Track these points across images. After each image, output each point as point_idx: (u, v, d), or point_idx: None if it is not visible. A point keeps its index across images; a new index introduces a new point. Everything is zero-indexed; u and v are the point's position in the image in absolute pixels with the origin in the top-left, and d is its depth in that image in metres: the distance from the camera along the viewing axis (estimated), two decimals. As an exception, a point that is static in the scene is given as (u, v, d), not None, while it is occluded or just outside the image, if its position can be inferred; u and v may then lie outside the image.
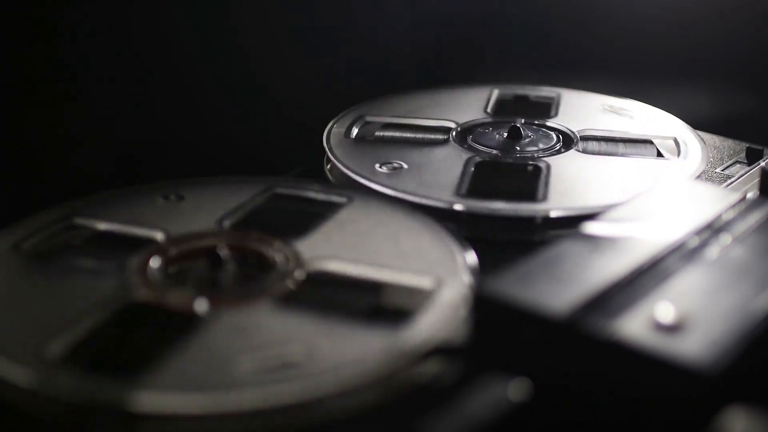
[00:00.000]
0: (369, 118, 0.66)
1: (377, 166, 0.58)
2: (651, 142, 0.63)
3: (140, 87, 0.64)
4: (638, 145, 0.63)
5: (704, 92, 0.78)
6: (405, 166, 0.59)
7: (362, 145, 0.63)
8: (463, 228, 0.52)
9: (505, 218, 0.53)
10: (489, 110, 0.69)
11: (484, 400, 0.38)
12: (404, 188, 0.55)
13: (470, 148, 0.62)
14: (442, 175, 0.57)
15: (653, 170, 0.58)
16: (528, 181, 0.57)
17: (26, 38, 0.58)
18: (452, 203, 0.54)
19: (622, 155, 0.61)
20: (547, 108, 0.69)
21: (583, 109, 0.69)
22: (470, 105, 0.69)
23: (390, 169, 0.58)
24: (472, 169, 0.58)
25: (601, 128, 0.65)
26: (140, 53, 0.64)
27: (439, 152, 0.61)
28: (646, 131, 0.65)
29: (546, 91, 0.73)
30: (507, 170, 0.60)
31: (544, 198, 0.54)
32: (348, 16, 0.75)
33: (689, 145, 0.62)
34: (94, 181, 0.61)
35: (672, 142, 0.63)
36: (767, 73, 0.76)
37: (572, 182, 0.57)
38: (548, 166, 0.59)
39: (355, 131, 0.64)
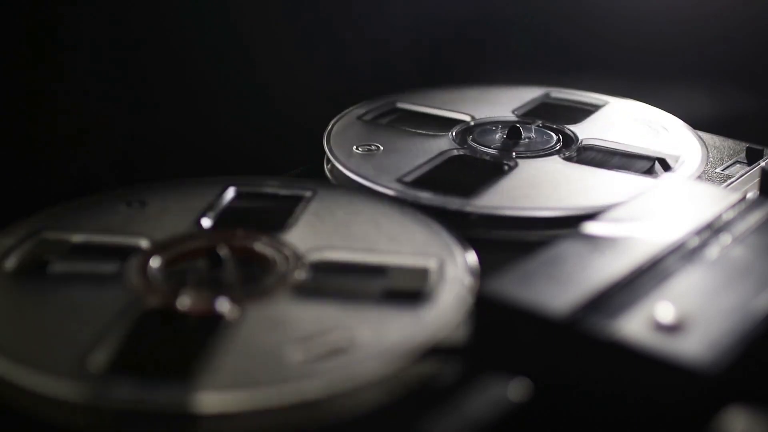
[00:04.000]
0: (400, 105, 0.69)
1: (354, 147, 0.60)
2: (650, 158, 0.62)
3: (140, 87, 0.64)
4: (637, 160, 0.62)
5: (704, 92, 0.78)
6: (381, 148, 0.60)
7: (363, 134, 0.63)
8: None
9: (431, 208, 0.53)
10: (516, 111, 0.69)
11: (484, 400, 0.38)
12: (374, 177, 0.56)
13: (461, 143, 0.62)
14: (406, 163, 0.59)
15: (627, 185, 0.57)
16: (483, 178, 0.57)
17: (26, 38, 0.58)
18: (389, 188, 0.55)
19: (606, 167, 0.60)
20: (580, 114, 0.69)
21: (616, 119, 0.68)
22: (502, 103, 0.70)
23: (365, 151, 0.60)
24: (443, 161, 0.60)
25: (612, 140, 0.64)
26: (140, 53, 0.64)
27: (428, 143, 0.62)
28: (655, 147, 0.63)
29: (591, 98, 0.72)
30: (474, 166, 0.60)
31: (476, 195, 0.54)
32: (348, 16, 0.75)
33: (686, 157, 0.61)
34: (94, 181, 0.61)
35: (673, 160, 0.61)
36: (767, 73, 0.76)
37: (524, 186, 0.56)
38: (515, 166, 0.59)
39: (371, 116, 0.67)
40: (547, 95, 0.73)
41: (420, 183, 0.57)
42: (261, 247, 0.48)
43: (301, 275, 0.46)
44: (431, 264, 0.47)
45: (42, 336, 0.42)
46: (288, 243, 0.49)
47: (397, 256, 0.48)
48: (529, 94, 0.72)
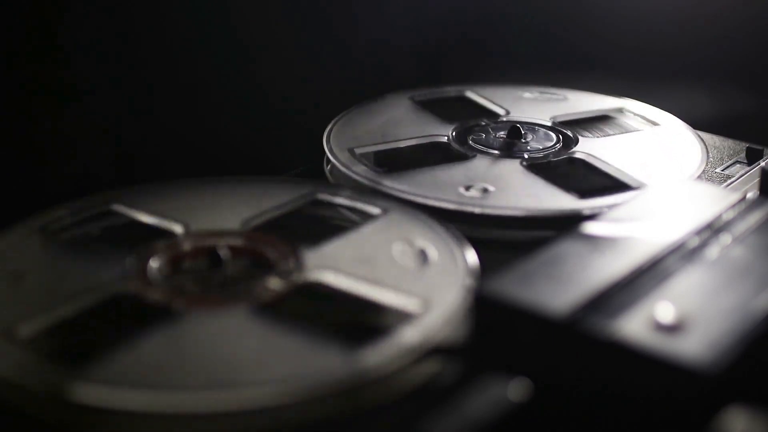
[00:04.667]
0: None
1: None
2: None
3: (140, 87, 0.64)
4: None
5: (704, 92, 0.78)
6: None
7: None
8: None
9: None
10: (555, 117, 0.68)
11: (484, 400, 0.38)
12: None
13: (459, 142, 0.63)
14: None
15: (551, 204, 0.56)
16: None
17: (26, 38, 0.58)
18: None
19: (554, 183, 0.58)
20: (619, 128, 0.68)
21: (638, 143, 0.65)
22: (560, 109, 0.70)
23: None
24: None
25: (605, 160, 0.61)
26: (140, 53, 0.64)
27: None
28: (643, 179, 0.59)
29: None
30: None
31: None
32: (348, 16, 0.75)
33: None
34: (94, 181, 0.61)
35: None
36: (767, 73, 0.76)
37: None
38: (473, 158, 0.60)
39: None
40: (620, 109, 0.70)
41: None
42: (272, 255, 0.48)
43: (270, 292, 0.45)
44: (413, 308, 0.44)
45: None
46: (302, 256, 0.48)
47: (385, 293, 0.46)
48: (602, 102, 0.70)
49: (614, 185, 0.57)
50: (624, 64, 0.79)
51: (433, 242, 0.49)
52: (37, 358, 0.40)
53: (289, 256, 0.48)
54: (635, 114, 0.69)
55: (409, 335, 0.41)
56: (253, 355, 0.40)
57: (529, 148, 0.62)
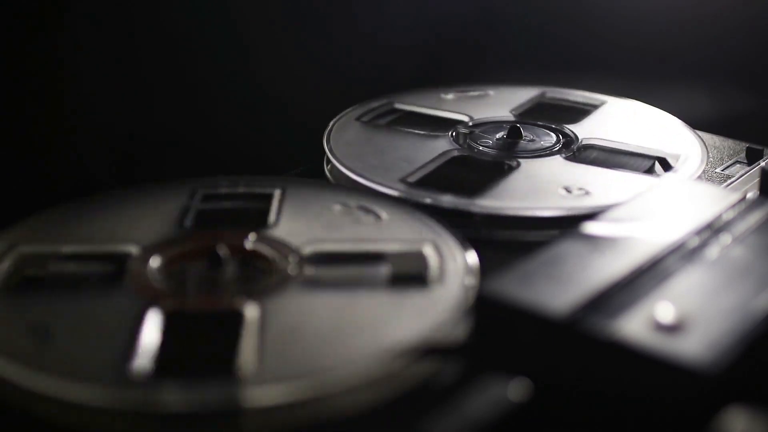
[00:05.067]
0: (398, 105, 0.69)
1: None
2: (650, 157, 0.62)
3: (140, 87, 0.64)
4: (637, 158, 0.62)
5: (704, 92, 0.78)
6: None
7: (362, 140, 0.63)
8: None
9: (433, 208, 0.54)
10: (513, 110, 0.69)
11: (484, 400, 0.38)
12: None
13: (462, 143, 0.63)
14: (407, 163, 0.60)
15: (629, 184, 0.57)
16: (485, 179, 0.58)
17: (26, 38, 0.58)
18: (393, 188, 0.55)
19: (607, 166, 0.60)
20: (578, 114, 0.69)
21: (615, 119, 0.68)
22: (499, 103, 0.70)
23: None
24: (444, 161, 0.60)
25: (612, 139, 0.63)
26: (140, 53, 0.64)
27: (428, 144, 0.63)
28: (655, 146, 0.62)
29: (588, 98, 0.72)
30: (475, 167, 0.61)
31: (479, 195, 0.55)
32: (348, 15, 0.75)
33: (686, 156, 0.61)
34: (94, 181, 0.61)
35: (673, 160, 0.61)
36: (767, 73, 0.76)
37: (527, 185, 0.57)
38: (517, 166, 0.59)
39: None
40: (543, 95, 0.73)
41: (422, 183, 0.57)
42: (256, 245, 0.49)
43: (303, 269, 0.46)
44: (426, 248, 0.48)
45: (70, 348, 0.41)
46: (279, 239, 0.49)
47: (389, 244, 0.49)
48: (525, 94, 0.72)
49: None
50: (624, 64, 0.79)
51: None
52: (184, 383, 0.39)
53: (287, 255, 0.48)
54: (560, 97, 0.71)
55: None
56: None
57: (539, 145, 0.62)
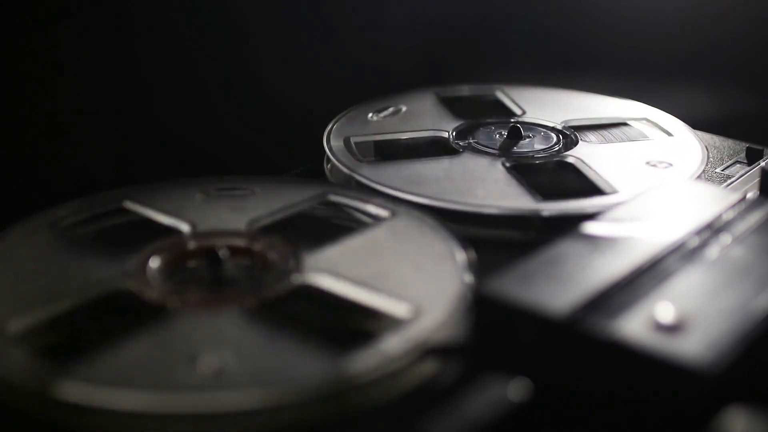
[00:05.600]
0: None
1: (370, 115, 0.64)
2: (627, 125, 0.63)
3: (140, 87, 0.64)
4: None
5: (704, 92, 0.78)
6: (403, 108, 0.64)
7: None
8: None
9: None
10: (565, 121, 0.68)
11: (484, 400, 0.38)
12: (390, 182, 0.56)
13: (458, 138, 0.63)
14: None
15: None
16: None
17: (26, 38, 0.58)
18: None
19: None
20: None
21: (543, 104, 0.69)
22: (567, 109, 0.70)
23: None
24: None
25: (594, 167, 0.60)
26: (140, 53, 0.64)
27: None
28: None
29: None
30: None
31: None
32: (348, 16, 0.75)
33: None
34: (94, 182, 0.61)
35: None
36: (767, 73, 0.76)
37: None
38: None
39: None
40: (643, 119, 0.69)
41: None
42: (272, 256, 0.48)
43: (266, 294, 0.45)
44: (402, 314, 0.44)
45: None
46: (302, 258, 0.48)
47: (376, 297, 0.45)
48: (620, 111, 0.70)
49: (591, 190, 0.56)
50: (624, 64, 0.79)
51: (433, 242, 0.49)
52: (24, 354, 0.40)
53: (289, 257, 0.48)
54: (650, 122, 0.68)
55: (409, 335, 0.41)
56: (248, 357, 0.40)
57: (521, 149, 0.62)
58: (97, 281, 0.45)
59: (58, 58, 0.60)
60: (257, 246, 0.49)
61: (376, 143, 0.63)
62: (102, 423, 0.37)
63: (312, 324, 0.44)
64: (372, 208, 0.54)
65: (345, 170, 0.58)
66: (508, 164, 0.59)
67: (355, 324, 0.44)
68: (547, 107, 0.69)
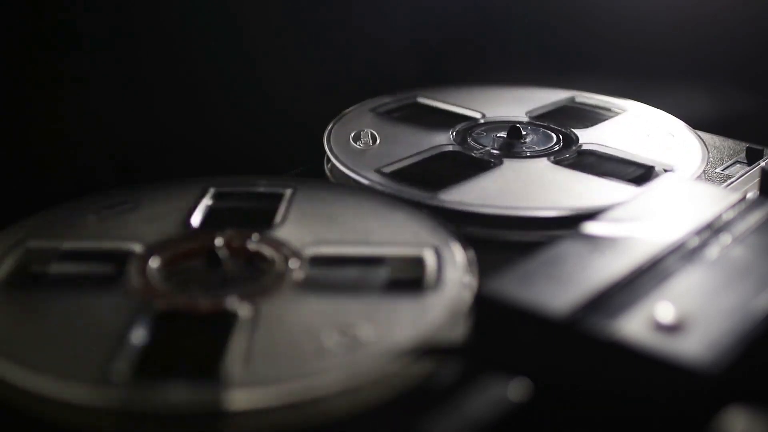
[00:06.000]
0: (421, 100, 0.70)
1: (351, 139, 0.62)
2: (644, 166, 0.61)
3: (140, 87, 0.64)
4: (632, 167, 0.61)
5: (704, 92, 0.78)
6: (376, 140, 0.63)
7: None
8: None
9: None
10: (530, 112, 0.69)
11: (484, 400, 0.38)
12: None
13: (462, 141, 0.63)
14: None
15: (611, 192, 0.56)
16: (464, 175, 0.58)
17: (25, 38, 0.58)
18: (391, 188, 0.56)
19: (595, 174, 0.59)
20: (594, 119, 0.69)
21: (627, 127, 0.67)
22: (518, 104, 0.70)
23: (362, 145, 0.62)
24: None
25: (613, 146, 0.62)
26: (140, 53, 0.64)
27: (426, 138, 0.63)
28: (655, 157, 0.61)
29: (610, 104, 0.71)
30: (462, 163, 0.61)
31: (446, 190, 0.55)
32: (348, 16, 0.75)
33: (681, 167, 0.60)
34: (94, 181, 0.61)
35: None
36: (767, 73, 0.76)
37: (504, 184, 0.57)
38: (499, 164, 0.59)
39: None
40: (571, 99, 0.72)
41: (405, 176, 0.58)
42: (257, 245, 0.49)
43: (301, 271, 0.46)
44: (427, 253, 0.48)
45: (60, 346, 0.41)
46: (282, 240, 0.49)
47: (391, 248, 0.48)
48: (551, 97, 0.72)
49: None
50: (624, 64, 0.79)
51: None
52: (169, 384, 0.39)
53: (287, 257, 0.48)
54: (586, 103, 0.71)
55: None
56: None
57: (535, 147, 0.62)
58: (139, 307, 0.44)
59: (58, 59, 0.60)
60: (237, 241, 0.49)
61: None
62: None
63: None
64: (270, 189, 0.55)
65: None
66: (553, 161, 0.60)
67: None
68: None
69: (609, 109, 0.71)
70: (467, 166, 0.60)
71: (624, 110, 0.70)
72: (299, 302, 0.44)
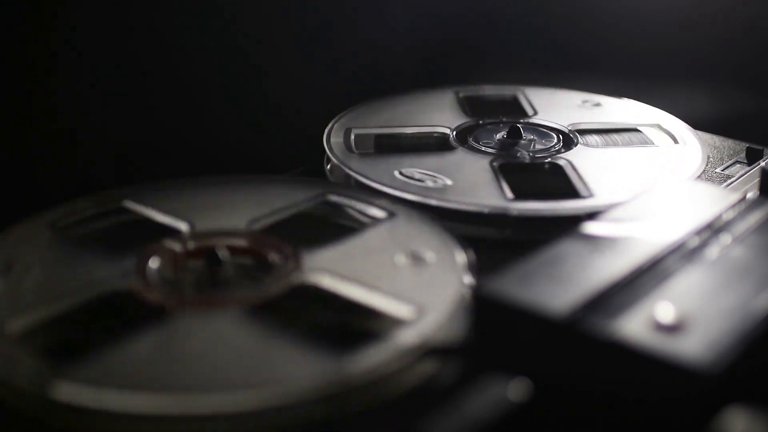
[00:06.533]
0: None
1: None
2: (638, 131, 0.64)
3: (140, 87, 0.64)
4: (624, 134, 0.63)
5: (704, 92, 0.78)
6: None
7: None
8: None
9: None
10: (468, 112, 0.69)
11: (484, 400, 0.38)
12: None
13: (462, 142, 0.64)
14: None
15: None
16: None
17: (25, 38, 0.58)
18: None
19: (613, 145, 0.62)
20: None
21: (557, 106, 0.69)
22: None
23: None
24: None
25: (588, 121, 0.65)
26: (139, 53, 0.64)
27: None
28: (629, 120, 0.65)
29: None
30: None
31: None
32: (348, 16, 0.75)
33: (685, 140, 0.62)
34: (94, 182, 0.61)
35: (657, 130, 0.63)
36: (767, 73, 0.76)
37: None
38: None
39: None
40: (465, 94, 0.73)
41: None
42: (271, 256, 0.48)
43: (264, 294, 0.45)
44: (404, 314, 0.44)
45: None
46: (302, 259, 0.47)
47: (379, 298, 0.45)
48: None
49: (570, 192, 0.56)
50: (624, 64, 0.79)
51: (433, 242, 0.49)
52: (23, 354, 0.40)
53: (288, 257, 0.48)
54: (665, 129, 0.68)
55: (409, 335, 0.41)
56: (247, 357, 0.40)
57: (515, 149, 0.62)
58: (98, 282, 0.45)
59: (58, 58, 0.60)
60: (257, 246, 0.49)
61: (377, 136, 0.64)
62: (100, 424, 0.37)
63: (318, 322, 0.44)
64: (371, 210, 0.54)
65: (345, 170, 0.58)
66: (496, 164, 0.59)
67: (354, 324, 0.44)
68: (560, 109, 0.69)
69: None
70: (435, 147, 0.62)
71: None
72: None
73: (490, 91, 0.73)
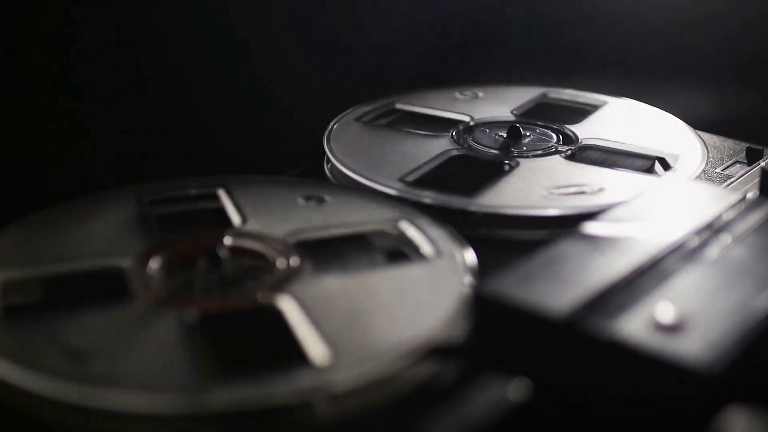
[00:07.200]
0: (399, 106, 0.70)
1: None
2: (650, 158, 0.61)
3: (140, 86, 0.64)
4: (637, 159, 0.61)
5: (704, 92, 0.78)
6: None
7: (363, 139, 0.63)
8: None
9: (434, 207, 0.54)
10: (515, 110, 0.69)
11: (484, 400, 0.38)
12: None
13: (462, 143, 0.63)
14: (406, 162, 0.60)
15: (628, 183, 0.57)
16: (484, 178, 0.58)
17: (26, 37, 0.58)
18: (391, 188, 0.56)
19: (607, 166, 0.60)
20: (579, 114, 0.69)
21: (615, 119, 0.68)
22: (501, 103, 0.70)
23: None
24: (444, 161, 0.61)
25: (611, 139, 0.63)
26: (140, 53, 0.64)
27: (428, 144, 0.63)
28: (655, 146, 0.62)
29: (589, 98, 0.72)
30: (475, 166, 0.60)
31: (478, 194, 0.55)
32: (349, 16, 0.75)
33: (686, 156, 0.61)
34: (94, 182, 0.61)
35: (672, 159, 0.61)
36: (767, 73, 0.76)
37: (526, 184, 0.57)
38: (516, 166, 0.59)
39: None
40: (544, 95, 0.73)
41: (421, 182, 0.57)
42: (243, 241, 0.49)
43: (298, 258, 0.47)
44: (403, 224, 0.49)
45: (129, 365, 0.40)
46: (263, 234, 0.49)
47: (364, 225, 0.49)
48: (527, 94, 0.72)
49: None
50: (624, 64, 0.79)
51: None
52: None
53: (278, 248, 0.48)
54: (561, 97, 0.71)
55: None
56: (319, 343, 0.41)
57: (533, 145, 0.62)
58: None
59: (59, 58, 0.60)
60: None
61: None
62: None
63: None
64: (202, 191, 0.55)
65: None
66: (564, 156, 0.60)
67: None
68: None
69: (586, 104, 0.71)
70: (481, 168, 0.60)
71: (603, 103, 0.71)
72: (323, 283, 0.45)
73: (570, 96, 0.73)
